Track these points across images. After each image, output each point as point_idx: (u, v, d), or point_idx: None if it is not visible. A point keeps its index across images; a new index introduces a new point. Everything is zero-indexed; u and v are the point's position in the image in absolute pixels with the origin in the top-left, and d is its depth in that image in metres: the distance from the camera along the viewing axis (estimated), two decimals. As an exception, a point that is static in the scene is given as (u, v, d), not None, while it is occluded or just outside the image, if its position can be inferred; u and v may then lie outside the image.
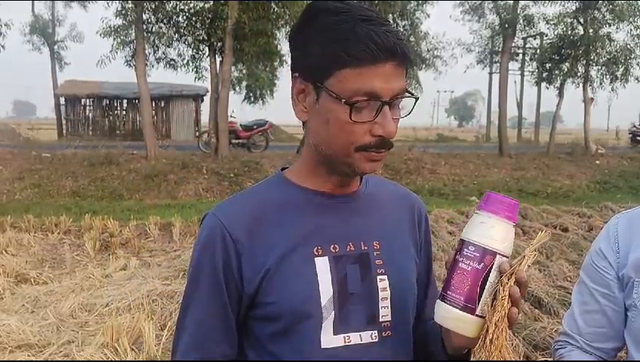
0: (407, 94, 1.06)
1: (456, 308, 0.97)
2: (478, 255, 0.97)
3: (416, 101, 1.11)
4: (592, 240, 7.22)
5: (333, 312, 1.06)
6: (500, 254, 0.97)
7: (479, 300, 0.97)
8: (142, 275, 6.17)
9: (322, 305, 1.06)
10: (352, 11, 1.01)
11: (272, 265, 1.06)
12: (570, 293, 4.97)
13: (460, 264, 0.99)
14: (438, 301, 1.01)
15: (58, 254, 7.63)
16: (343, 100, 1.00)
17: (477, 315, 0.97)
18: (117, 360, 4.10)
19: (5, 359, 4.17)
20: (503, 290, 0.96)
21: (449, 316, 0.98)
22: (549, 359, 4.29)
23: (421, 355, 1.20)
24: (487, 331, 0.96)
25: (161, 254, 7.59)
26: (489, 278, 0.97)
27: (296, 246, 1.08)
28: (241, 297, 1.09)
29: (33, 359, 4.19)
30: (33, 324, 4.68)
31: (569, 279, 6.33)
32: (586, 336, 1.45)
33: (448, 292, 0.99)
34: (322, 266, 1.08)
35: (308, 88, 1.07)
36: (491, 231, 0.97)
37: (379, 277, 1.12)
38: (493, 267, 0.97)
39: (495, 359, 0.96)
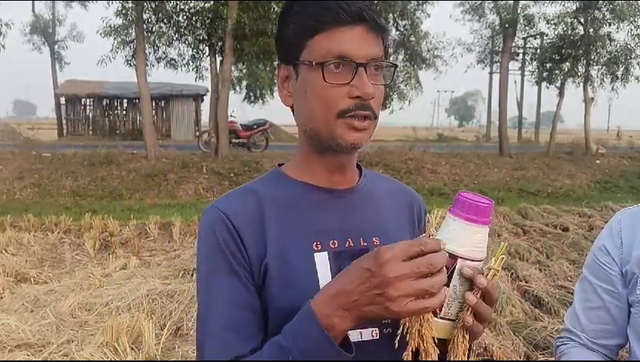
0: (384, 61, 1.07)
1: None
2: None
3: (395, 69, 1.12)
4: (592, 240, 7.20)
5: None
6: (461, 258, 0.94)
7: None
8: (142, 275, 6.17)
9: None
10: None
11: (270, 260, 1.05)
12: (571, 293, 4.95)
13: None
14: None
15: (58, 253, 7.63)
16: (314, 62, 1.02)
17: (442, 318, 0.95)
18: (116, 359, 4.10)
19: (5, 358, 4.17)
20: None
21: None
22: (550, 359, 4.28)
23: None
24: (454, 336, 0.96)
25: (160, 254, 7.59)
26: (451, 281, 0.94)
27: (295, 241, 1.07)
28: (256, 285, 1.06)
29: (33, 358, 4.18)
30: (33, 324, 4.67)
31: (569, 279, 6.32)
32: (588, 333, 1.45)
33: None
34: (322, 262, 1.06)
35: (290, 72, 1.10)
36: (452, 233, 0.95)
37: None
38: (455, 271, 0.94)
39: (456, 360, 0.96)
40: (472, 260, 0.94)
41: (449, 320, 0.96)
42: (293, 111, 1.14)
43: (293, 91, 1.11)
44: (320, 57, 1.02)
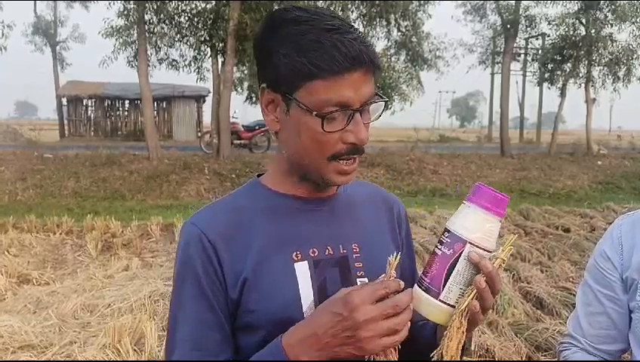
0: (377, 98, 1.06)
1: (422, 289, 0.99)
2: (449, 241, 0.98)
3: (385, 105, 1.10)
4: (594, 241, 7.15)
5: None
6: (470, 243, 0.96)
7: (444, 286, 0.97)
8: (144, 276, 6.17)
9: (304, 311, 1.05)
10: (316, 20, 1.01)
11: (250, 272, 1.05)
12: (573, 294, 4.94)
13: (436, 249, 1.00)
14: (415, 284, 1.02)
15: (60, 255, 7.63)
16: (315, 113, 1.00)
17: (441, 301, 0.97)
18: (119, 360, 4.10)
19: (7, 359, 4.17)
20: (472, 283, 0.96)
21: (416, 297, 0.98)
22: (551, 359, 4.28)
23: (410, 354, 1.18)
24: (452, 321, 0.97)
25: (162, 255, 7.58)
26: (456, 265, 0.96)
27: (275, 252, 1.08)
28: (228, 302, 1.07)
29: (35, 360, 4.19)
30: (35, 325, 4.68)
31: (571, 280, 6.32)
32: (590, 338, 1.45)
33: (422, 275, 1.01)
34: (302, 271, 1.07)
35: (277, 99, 1.07)
36: (466, 219, 0.98)
37: (359, 280, 1.11)
38: (462, 255, 0.96)
39: (446, 351, 0.98)
40: (481, 248, 0.96)
41: (447, 304, 0.97)
42: (276, 135, 1.13)
43: (281, 120, 1.09)
44: (319, 104, 1.00)
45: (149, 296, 5.35)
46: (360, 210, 1.21)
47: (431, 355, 1.00)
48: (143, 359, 4.20)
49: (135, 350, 4.25)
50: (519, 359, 4.35)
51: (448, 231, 0.99)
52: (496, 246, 0.99)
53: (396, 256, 0.97)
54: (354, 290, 0.92)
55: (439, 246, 0.99)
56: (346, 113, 1.01)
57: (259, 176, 1.21)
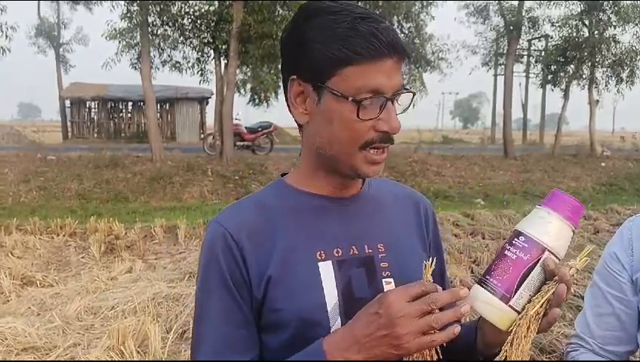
0: (404, 90, 1.05)
1: (491, 293, 0.96)
2: (526, 246, 0.96)
3: (413, 96, 1.09)
4: (597, 243, 7.13)
5: (339, 318, 1.04)
6: (549, 250, 0.96)
7: (516, 291, 0.95)
8: (147, 278, 6.18)
9: (328, 311, 1.04)
10: (349, 10, 1.01)
11: (274, 271, 1.05)
12: (576, 296, 4.91)
13: (507, 252, 0.97)
14: (476, 284, 0.99)
15: (64, 257, 7.64)
16: (350, 98, 1.00)
17: (510, 306, 0.95)
18: (123, 360, 4.10)
19: (11, 361, 4.18)
20: (546, 291, 0.95)
21: (482, 299, 0.96)
22: (555, 361, 4.28)
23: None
24: (517, 326, 0.95)
25: (166, 257, 7.59)
26: (532, 272, 0.95)
27: (299, 251, 1.07)
28: (253, 301, 1.07)
29: (39, 361, 4.19)
30: (39, 327, 4.68)
31: (575, 282, 6.30)
32: (598, 339, 1.45)
33: (488, 277, 0.98)
34: (326, 271, 1.06)
35: (307, 90, 1.06)
36: (547, 226, 0.97)
37: (384, 281, 1.09)
38: (539, 261, 0.96)
39: (514, 357, 0.95)
40: (556, 256, 0.96)
41: (514, 310, 0.96)
42: (300, 126, 1.12)
43: (311, 111, 1.07)
44: (353, 90, 0.99)
45: (153, 298, 5.35)
46: (386, 209, 1.20)
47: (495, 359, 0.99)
48: (146, 360, 4.20)
49: (139, 352, 4.25)
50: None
51: (524, 235, 0.97)
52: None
53: (432, 262, 0.97)
54: (389, 290, 0.93)
55: (512, 250, 0.97)
56: (378, 101, 1.01)
57: (283, 175, 1.21)
